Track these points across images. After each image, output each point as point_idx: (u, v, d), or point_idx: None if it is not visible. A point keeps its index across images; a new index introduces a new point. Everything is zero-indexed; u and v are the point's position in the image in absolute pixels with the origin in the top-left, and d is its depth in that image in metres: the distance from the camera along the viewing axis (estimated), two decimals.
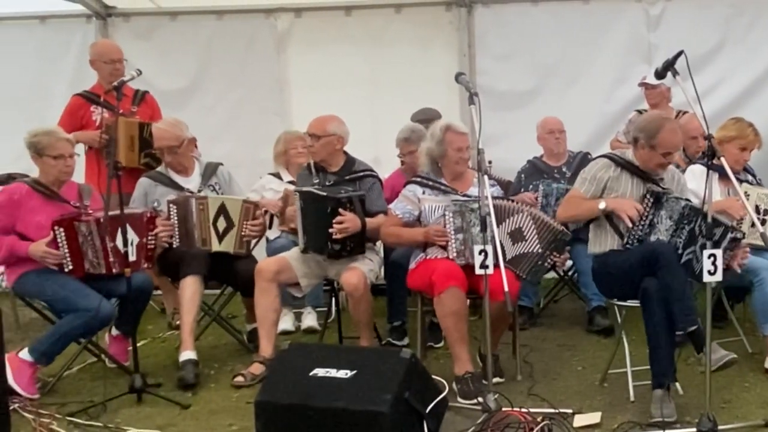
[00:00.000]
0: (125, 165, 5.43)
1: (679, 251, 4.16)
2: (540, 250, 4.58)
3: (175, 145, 5.19)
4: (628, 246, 4.26)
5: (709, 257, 3.68)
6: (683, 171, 5.02)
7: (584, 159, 5.87)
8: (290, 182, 5.80)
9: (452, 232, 4.54)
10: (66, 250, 4.56)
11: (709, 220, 3.82)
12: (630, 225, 4.20)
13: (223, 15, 7.11)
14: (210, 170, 5.36)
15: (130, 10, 7.19)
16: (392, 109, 6.60)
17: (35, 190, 4.71)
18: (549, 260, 4.68)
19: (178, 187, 5.21)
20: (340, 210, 4.72)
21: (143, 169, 5.54)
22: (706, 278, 3.70)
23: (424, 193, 4.80)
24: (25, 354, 4.56)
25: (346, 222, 4.72)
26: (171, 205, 5.06)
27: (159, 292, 5.47)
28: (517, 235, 4.59)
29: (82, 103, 5.88)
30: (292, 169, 5.95)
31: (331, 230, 4.71)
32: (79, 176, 5.32)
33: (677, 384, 4.24)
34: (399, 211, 4.81)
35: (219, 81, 7.12)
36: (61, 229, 4.54)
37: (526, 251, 4.58)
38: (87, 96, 5.89)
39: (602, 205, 4.30)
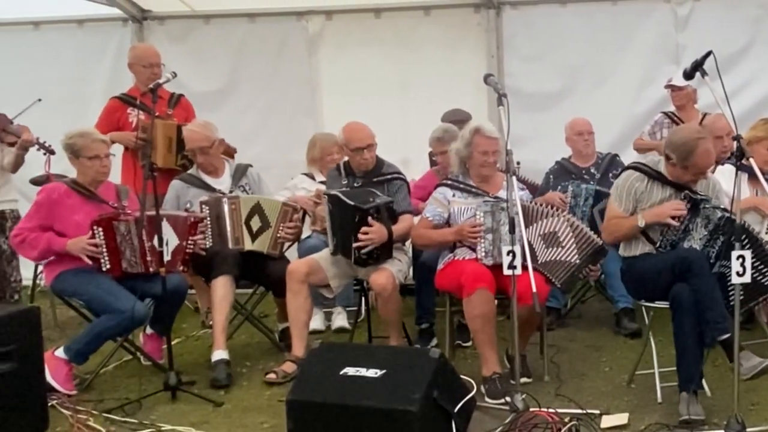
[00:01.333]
0: (163, 166, 5.55)
1: (711, 260, 4.14)
2: (578, 261, 4.56)
3: (207, 145, 5.27)
4: (660, 250, 4.25)
5: (737, 258, 3.67)
6: (712, 171, 5.01)
7: (613, 160, 5.90)
8: (322, 182, 5.83)
9: (482, 232, 4.56)
10: (104, 249, 4.64)
11: (738, 220, 3.82)
12: (676, 225, 4.16)
13: (256, 18, 7.19)
14: (240, 171, 5.44)
15: (165, 14, 7.30)
16: (421, 110, 6.65)
17: (73, 189, 4.80)
18: (585, 272, 4.68)
19: (209, 189, 5.29)
20: (369, 220, 4.76)
21: (180, 170, 5.63)
22: (735, 279, 3.69)
23: (453, 195, 4.83)
24: (60, 352, 4.65)
25: (372, 234, 4.75)
26: (203, 206, 5.13)
27: (193, 291, 5.57)
28: (551, 239, 4.58)
29: (118, 105, 5.97)
30: (327, 173, 6.02)
31: (357, 243, 4.75)
32: (115, 177, 5.43)
33: (705, 386, 4.23)
34: (429, 215, 4.84)
35: (251, 83, 7.19)
36: (100, 229, 4.62)
37: (562, 259, 4.57)
38: (124, 98, 5.98)
39: (641, 223, 4.26)
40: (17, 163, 5.77)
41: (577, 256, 4.57)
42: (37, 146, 5.74)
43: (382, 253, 4.87)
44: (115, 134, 5.80)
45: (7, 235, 5.72)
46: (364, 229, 4.75)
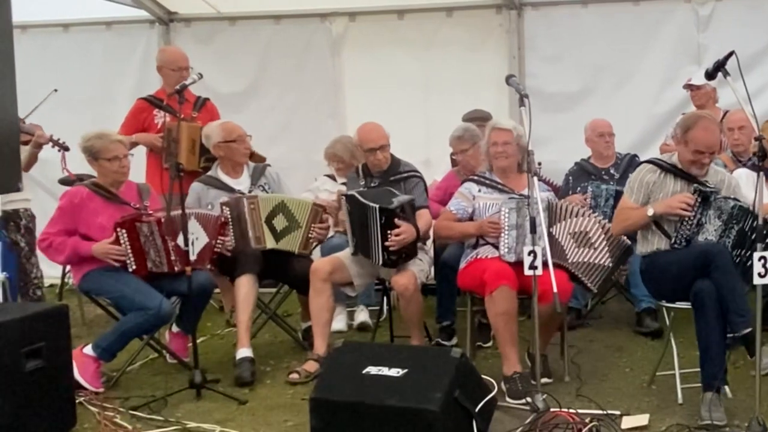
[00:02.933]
0: (186, 168, 5.60)
1: (729, 250, 4.15)
2: (611, 264, 4.60)
3: (243, 133, 5.37)
4: (675, 246, 4.26)
5: (759, 259, 3.68)
6: (730, 172, 4.99)
7: (632, 161, 5.86)
8: (344, 183, 5.90)
9: (506, 228, 4.59)
10: (129, 251, 4.70)
11: (760, 222, 3.81)
12: (688, 214, 4.16)
13: (280, 19, 7.25)
14: (259, 171, 5.49)
15: (192, 16, 7.39)
16: (443, 110, 6.66)
17: (95, 192, 4.85)
18: (616, 274, 4.67)
19: (229, 189, 5.34)
20: (396, 221, 4.78)
21: (203, 172, 5.67)
22: (756, 281, 3.70)
23: (479, 191, 4.87)
24: (88, 350, 4.72)
25: (403, 233, 4.78)
26: (224, 207, 5.17)
27: (217, 290, 5.62)
28: (582, 239, 4.61)
29: (145, 106, 5.99)
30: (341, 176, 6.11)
31: (387, 243, 4.77)
32: (139, 177, 5.49)
33: (727, 387, 4.22)
34: (453, 208, 4.89)
35: (276, 84, 7.25)
36: (124, 231, 4.68)
37: (596, 261, 4.60)
38: (151, 100, 6.00)
39: (650, 212, 4.28)
40: (30, 162, 5.81)
41: (609, 258, 4.60)
42: (51, 143, 5.81)
43: (410, 252, 4.90)
44: (141, 136, 5.85)
45: (22, 233, 5.83)
46: (395, 231, 4.77)
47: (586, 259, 4.62)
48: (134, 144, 5.71)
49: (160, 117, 5.93)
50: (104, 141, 4.83)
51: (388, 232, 4.77)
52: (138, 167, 5.55)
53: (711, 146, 4.30)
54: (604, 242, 4.59)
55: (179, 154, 5.60)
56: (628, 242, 4.64)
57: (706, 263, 4.04)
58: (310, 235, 5.23)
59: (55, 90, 6.14)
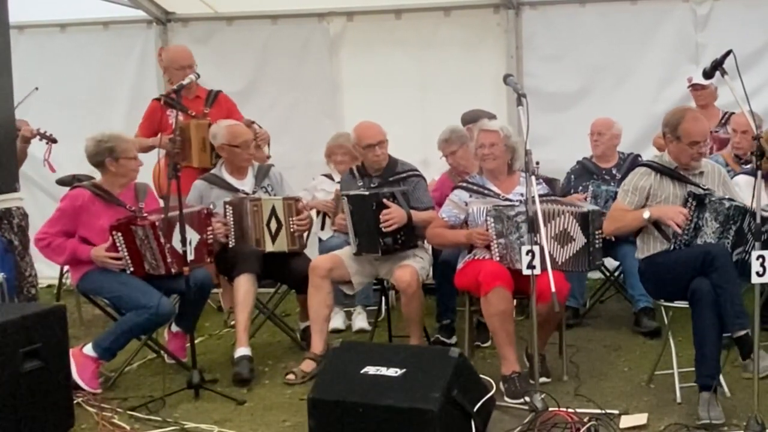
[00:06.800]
0: (198, 166, 5.56)
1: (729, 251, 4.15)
2: (586, 239, 4.60)
3: (250, 139, 5.35)
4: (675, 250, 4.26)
5: (757, 258, 3.69)
6: (732, 176, 4.97)
7: (634, 161, 5.81)
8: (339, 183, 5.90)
9: (494, 237, 4.58)
10: (126, 253, 4.70)
11: (758, 220, 3.80)
12: (679, 231, 4.16)
13: (278, 19, 7.26)
14: (263, 172, 5.48)
15: (189, 16, 7.40)
16: (441, 110, 6.64)
17: (96, 195, 4.85)
18: (597, 239, 4.67)
19: (233, 189, 5.34)
20: (385, 202, 4.83)
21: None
22: (755, 280, 3.70)
23: (471, 197, 4.86)
24: (88, 349, 4.71)
25: (392, 213, 4.82)
26: (227, 206, 5.18)
27: (216, 290, 5.61)
28: (563, 238, 4.60)
29: (158, 106, 5.87)
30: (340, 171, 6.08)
31: (380, 225, 4.80)
32: (141, 178, 5.48)
33: (724, 386, 4.23)
34: (445, 215, 4.89)
35: (274, 84, 7.26)
36: (119, 234, 4.68)
37: (578, 249, 4.60)
38: (162, 99, 5.82)
39: (646, 215, 4.27)
40: (20, 158, 5.79)
41: (583, 236, 4.60)
42: (38, 137, 5.78)
43: (406, 238, 4.92)
44: (155, 140, 5.73)
45: (15, 232, 5.81)
46: (384, 211, 4.81)
47: (572, 253, 4.62)
48: (151, 147, 5.69)
49: (173, 116, 5.77)
50: (123, 141, 4.84)
51: (381, 215, 4.82)
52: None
53: (704, 133, 4.40)
54: (578, 228, 4.60)
55: (191, 154, 5.56)
56: (590, 208, 4.67)
57: (706, 264, 4.04)
58: (291, 229, 5.19)
59: (36, 89, 6.11)
